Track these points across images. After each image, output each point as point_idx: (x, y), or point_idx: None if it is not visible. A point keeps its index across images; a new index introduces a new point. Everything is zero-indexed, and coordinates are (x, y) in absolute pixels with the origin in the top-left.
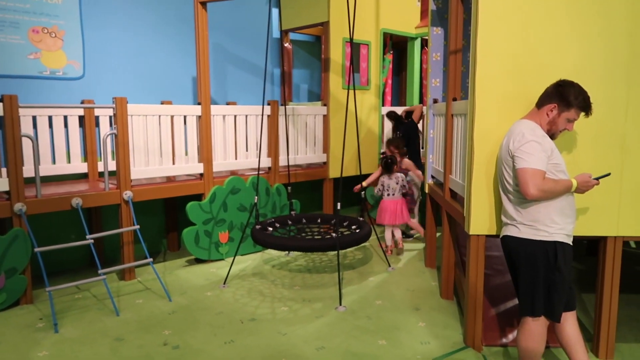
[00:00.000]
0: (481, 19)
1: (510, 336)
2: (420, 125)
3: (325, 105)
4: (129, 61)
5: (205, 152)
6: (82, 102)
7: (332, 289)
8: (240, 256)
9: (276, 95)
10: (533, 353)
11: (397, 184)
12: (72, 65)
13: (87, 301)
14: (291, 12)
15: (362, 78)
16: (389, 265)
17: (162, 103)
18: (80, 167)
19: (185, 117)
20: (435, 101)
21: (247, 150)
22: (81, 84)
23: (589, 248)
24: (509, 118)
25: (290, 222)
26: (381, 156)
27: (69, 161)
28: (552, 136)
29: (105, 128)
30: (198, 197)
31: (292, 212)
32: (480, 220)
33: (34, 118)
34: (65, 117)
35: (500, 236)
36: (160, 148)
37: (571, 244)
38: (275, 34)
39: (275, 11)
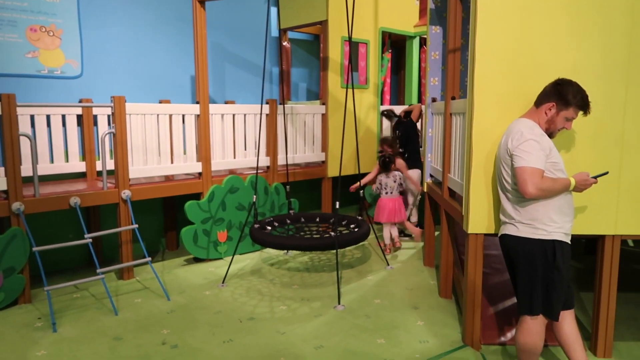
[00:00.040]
0: (480, 17)
1: (509, 335)
2: (419, 125)
3: (323, 104)
4: (127, 60)
5: (203, 151)
6: (80, 101)
7: (330, 287)
8: (238, 255)
9: (275, 94)
10: (531, 351)
11: (394, 182)
12: (70, 64)
13: (86, 300)
14: (290, 10)
15: (361, 77)
16: (388, 264)
17: (160, 102)
18: (79, 166)
19: (183, 116)
20: (433, 100)
21: (245, 149)
22: (79, 83)
23: (587, 247)
24: (507, 117)
25: (289, 221)
26: (379, 155)
27: (67, 160)
28: (551, 135)
29: (103, 127)
30: (196, 196)
31: (291, 211)
32: (478, 219)
33: (32, 117)
34: (64, 116)
35: (499, 235)
36: (158, 147)
37: (569, 242)
38: (274, 32)
39: (273, 10)
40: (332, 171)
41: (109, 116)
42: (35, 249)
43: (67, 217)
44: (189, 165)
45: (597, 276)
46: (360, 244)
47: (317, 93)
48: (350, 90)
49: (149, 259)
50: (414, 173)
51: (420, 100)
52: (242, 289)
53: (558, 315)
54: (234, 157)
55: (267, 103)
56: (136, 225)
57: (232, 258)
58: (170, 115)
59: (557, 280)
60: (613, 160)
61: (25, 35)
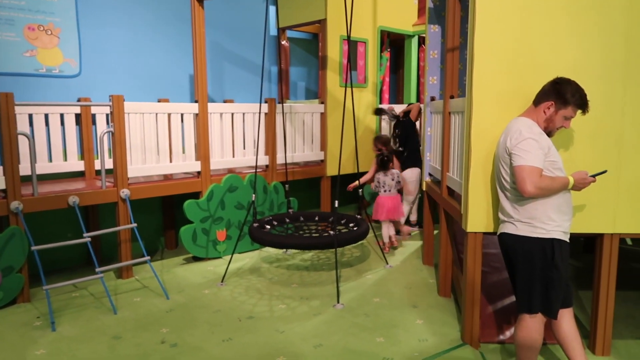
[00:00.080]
0: (478, 16)
1: (508, 333)
2: (418, 124)
3: (322, 103)
4: (125, 59)
5: (202, 150)
6: (79, 100)
7: (329, 286)
8: (237, 254)
9: (273, 93)
10: (530, 350)
11: (392, 180)
12: (69, 63)
13: (85, 299)
14: (288, 9)
15: (360, 76)
16: (387, 263)
17: (159, 101)
18: (77, 165)
19: (182, 115)
20: (432, 99)
21: (244, 148)
22: (78, 82)
23: (586, 245)
24: (506, 115)
25: (288, 220)
26: (377, 153)
27: (65, 159)
28: (549, 134)
29: (102, 126)
30: (195, 195)
31: (290, 210)
32: (477, 218)
33: (30, 116)
34: (62, 115)
35: (498, 233)
36: (157, 146)
37: (568, 241)
38: (273, 31)
39: (272, 9)
40: (331, 170)
41: (107, 115)
42: (34, 248)
43: (66, 216)
44: (188, 164)
45: (596, 275)
46: (359, 242)
47: (316, 92)
48: (349, 89)
49: (148, 258)
50: (414, 172)
51: (418, 99)
52: (241, 288)
53: (557, 314)
54: (233, 156)
55: (266, 102)
56: (135, 224)
57: (231, 257)
58: (169, 114)
59: (556, 279)
60: (612, 158)
61: (23, 34)
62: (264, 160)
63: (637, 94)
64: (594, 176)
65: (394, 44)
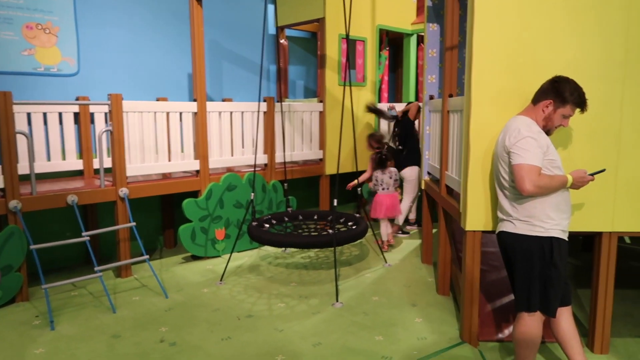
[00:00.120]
0: (477, 15)
1: (506, 331)
2: (417, 122)
3: (321, 101)
4: (124, 58)
5: (201, 149)
6: (77, 99)
7: (328, 285)
8: (236, 253)
9: (272, 91)
10: (529, 348)
11: (390, 178)
12: (67, 61)
13: (84, 298)
14: (287, 8)
15: (358, 74)
16: (386, 262)
17: (157, 100)
18: (76, 164)
19: (180, 113)
20: (431, 97)
21: (243, 147)
22: (76, 81)
23: (584, 244)
24: (504, 114)
25: (286, 219)
26: (375, 152)
27: (64, 158)
28: (548, 132)
29: (100, 125)
30: (194, 194)
31: (289, 209)
32: (476, 216)
33: (29, 115)
34: (60, 114)
35: (496, 232)
36: (156, 145)
37: (567, 239)
38: (271, 30)
39: (271, 7)
40: (330, 169)
41: (106, 114)
42: (32, 247)
43: (65, 215)
44: (187, 163)
45: (594, 273)
46: (358, 241)
47: (315, 91)
48: (347, 88)
49: (147, 256)
50: (413, 170)
51: (417, 97)
52: (240, 287)
53: (555, 312)
54: (232, 155)
55: (264, 101)
56: (134, 223)
57: (230, 256)
58: (168, 113)
59: (555, 277)
60: (610, 157)
61: (21, 33)
62: (262, 159)
63: (635, 92)
64: (592, 175)
65: (392, 42)
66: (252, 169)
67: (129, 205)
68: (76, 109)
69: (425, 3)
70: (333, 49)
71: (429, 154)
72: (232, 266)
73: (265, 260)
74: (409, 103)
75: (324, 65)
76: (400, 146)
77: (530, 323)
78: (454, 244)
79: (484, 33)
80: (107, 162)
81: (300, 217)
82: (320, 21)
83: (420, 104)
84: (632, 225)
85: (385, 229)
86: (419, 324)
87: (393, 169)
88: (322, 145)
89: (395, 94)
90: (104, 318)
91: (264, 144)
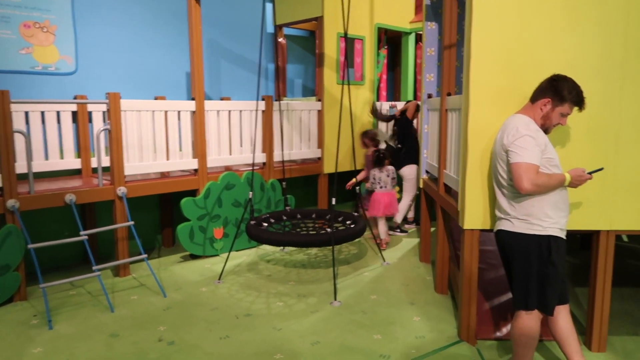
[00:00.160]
0: (475, 13)
1: (504, 330)
2: (415, 121)
3: (319, 100)
4: (122, 56)
5: (199, 148)
6: (75, 98)
7: (327, 284)
8: (235, 252)
9: (270, 90)
10: (527, 346)
11: (388, 176)
12: (65, 60)
13: (82, 297)
14: (285, 7)
15: (357, 73)
16: (384, 260)
17: (155, 98)
18: (74, 163)
19: (179, 112)
20: (429, 96)
21: (241, 146)
22: (74, 80)
23: (582, 242)
24: (503, 113)
25: (285, 218)
26: (373, 150)
27: (62, 157)
28: (546, 131)
29: (98, 124)
30: (192, 193)
31: (287, 208)
32: (474, 215)
33: (26, 114)
34: (58, 113)
35: (494, 230)
36: (154, 144)
37: (565, 238)
38: (269, 29)
39: (269, 6)
40: (328, 167)
41: (104, 113)
42: (30, 246)
43: (63, 214)
44: (185, 161)
45: (592, 271)
46: (356, 240)
47: (313, 89)
48: (346, 87)
49: (145, 255)
50: (412, 169)
51: (415, 96)
52: (239, 286)
53: (553, 310)
54: (230, 154)
55: (262, 99)
56: (132, 222)
57: (229, 255)
58: (166, 112)
59: (552, 276)
60: (608, 156)
61: (18, 31)
62: (261, 157)
63: (634, 91)
64: (590, 173)
65: (391, 41)
66: (251, 168)
67: (127, 204)
68: (74, 107)
69: (424, 1)
70: (331, 48)
71: (428, 153)
72: (230, 265)
73: (264, 259)
74: (407, 102)
75: (322, 63)
76: (399, 145)
77: (528, 321)
78: (452, 243)
79: (482, 31)
80: (105, 161)
81: (299, 216)
82: (319, 20)
83: (419, 102)
84: (629, 224)
85: (383, 227)
86: (417, 322)
87: (390, 167)
88: (320, 144)
89: (394, 93)
90: (102, 317)
91: (263, 143)
